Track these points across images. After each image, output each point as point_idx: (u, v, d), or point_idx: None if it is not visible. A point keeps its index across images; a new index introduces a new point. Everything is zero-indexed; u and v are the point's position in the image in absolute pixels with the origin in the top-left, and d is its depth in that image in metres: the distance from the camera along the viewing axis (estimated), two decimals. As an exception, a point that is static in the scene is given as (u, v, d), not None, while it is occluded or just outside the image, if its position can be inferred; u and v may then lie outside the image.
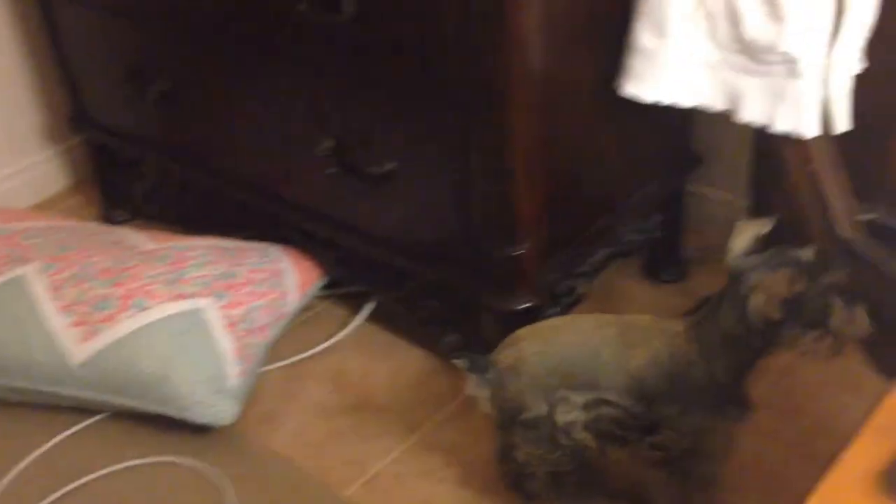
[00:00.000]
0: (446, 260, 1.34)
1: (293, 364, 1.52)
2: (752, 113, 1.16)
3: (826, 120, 1.15)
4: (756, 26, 1.10)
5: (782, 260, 1.01)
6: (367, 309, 1.60)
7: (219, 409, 1.34)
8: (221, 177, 1.59)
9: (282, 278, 1.52)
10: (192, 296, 1.42)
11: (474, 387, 1.17)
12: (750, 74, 1.15)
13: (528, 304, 1.29)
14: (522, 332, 1.17)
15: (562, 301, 1.41)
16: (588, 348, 1.12)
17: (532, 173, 1.20)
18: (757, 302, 0.99)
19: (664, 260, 1.63)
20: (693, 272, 1.63)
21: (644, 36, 1.16)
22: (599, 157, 1.36)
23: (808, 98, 1.11)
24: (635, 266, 1.65)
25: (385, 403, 1.44)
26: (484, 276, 1.30)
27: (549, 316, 1.37)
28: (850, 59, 1.14)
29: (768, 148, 1.33)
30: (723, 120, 1.24)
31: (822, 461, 1.19)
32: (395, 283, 1.47)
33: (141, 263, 1.46)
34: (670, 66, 1.16)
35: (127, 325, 1.37)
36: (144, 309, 1.39)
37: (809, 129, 1.13)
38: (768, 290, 0.99)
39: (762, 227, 1.04)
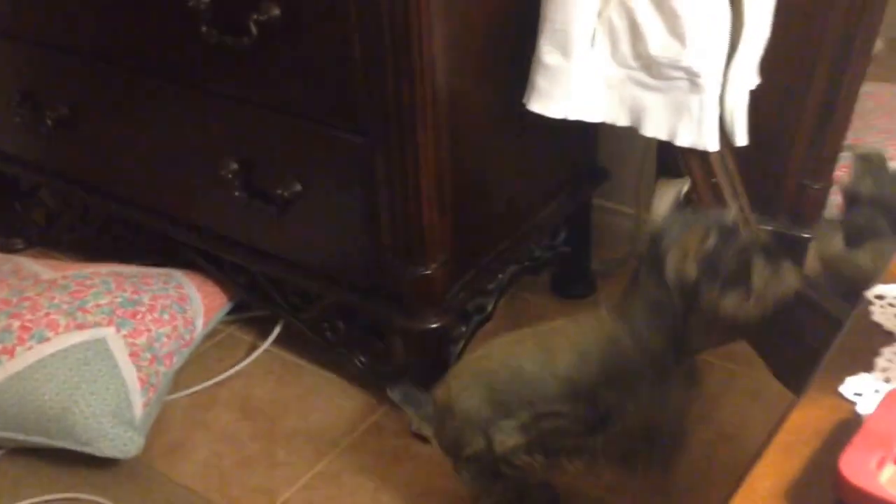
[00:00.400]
0: (355, 282, 1.34)
1: (200, 391, 1.49)
2: (655, 128, 1.19)
3: (727, 134, 1.19)
4: (659, 43, 1.12)
5: (698, 219, 1.00)
6: (275, 333, 1.58)
7: (122, 442, 1.30)
8: (123, 202, 1.56)
9: (186, 304, 1.49)
10: (94, 325, 1.38)
11: (418, 423, 1.15)
12: (652, 90, 1.17)
13: (437, 324, 1.29)
14: (453, 369, 1.16)
15: (472, 319, 1.42)
16: (510, 369, 1.10)
17: (439, 193, 1.20)
18: (671, 259, 0.98)
19: (573, 274, 1.66)
20: (601, 286, 1.66)
21: (548, 53, 1.17)
22: (506, 174, 1.37)
23: (710, 112, 1.15)
24: (544, 281, 1.67)
25: (294, 429, 1.42)
26: (392, 297, 1.29)
27: (459, 335, 1.38)
28: (748, 74, 1.18)
29: (671, 162, 1.37)
30: (626, 135, 1.26)
31: (724, 473, 1.22)
32: (302, 306, 1.46)
33: (40, 293, 1.41)
34: (574, 83, 1.18)
35: (26, 357, 1.33)
36: (44, 340, 1.34)
37: (711, 142, 1.16)
38: (682, 246, 0.98)
39: (682, 185, 1.05)
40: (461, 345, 1.39)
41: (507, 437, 1.09)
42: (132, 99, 1.43)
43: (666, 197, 1.03)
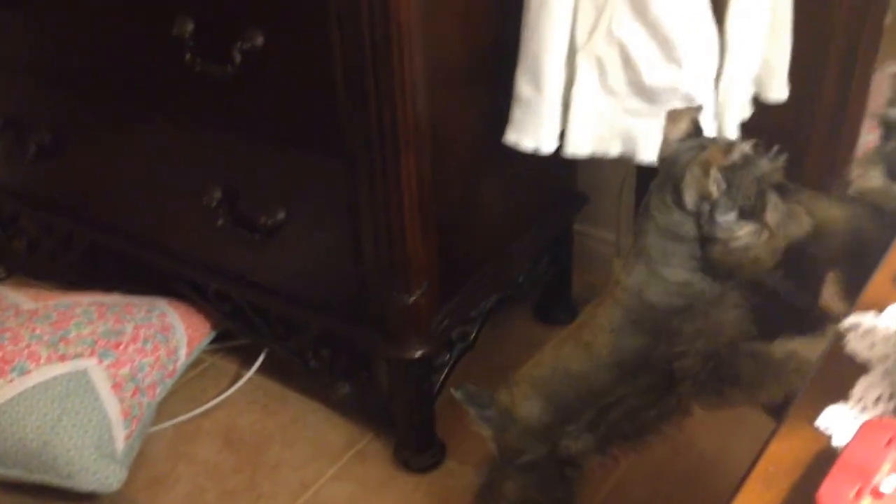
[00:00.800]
0: (339, 309, 1.35)
1: (183, 422, 1.49)
2: (650, 153, 1.20)
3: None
4: (653, 70, 1.15)
5: (716, 141, 0.99)
6: (259, 361, 1.59)
7: (105, 476, 1.31)
8: (106, 230, 1.57)
9: (170, 333, 1.49)
10: (75, 356, 1.38)
11: (477, 423, 1.15)
12: (645, 116, 1.19)
13: (421, 352, 1.30)
14: (516, 376, 1.15)
15: (456, 347, 1.43)
16: (560, 373, 1.10)
17: (422, 220, 1.22)
18: (694, 175, 0.97)
19: (555, 301, 1.68)
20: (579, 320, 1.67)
21: (523, 86, 1.20)
22: (487, 201, 1.39)
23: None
24: (527, 308, 1.68)
25: (279, 459, 1.42)
26: (377, 326, 1.31)
27: (442, 363, 1.40)
28: (740, 96, 1.21)
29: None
30: (606, 160, 1.28)
31: (708, 501, 1.22)
32: (287, 335, 1.47)
33: (21, 324, 1.42)
34: (545, 116, 1.20)
35: (6, 390, 1.33)
36: (25, 373, 1.34)
37: None
38: (705, 162, 0.96)
39: (696, 112, 1.03)
40: (444, 373, 1.40)
41: (575, 442, 1.10)
42: (116, 126, 1.44)
43: (680, 122, 1.02)
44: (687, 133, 1.01)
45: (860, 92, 1.22)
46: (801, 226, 1.01)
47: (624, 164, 1.50)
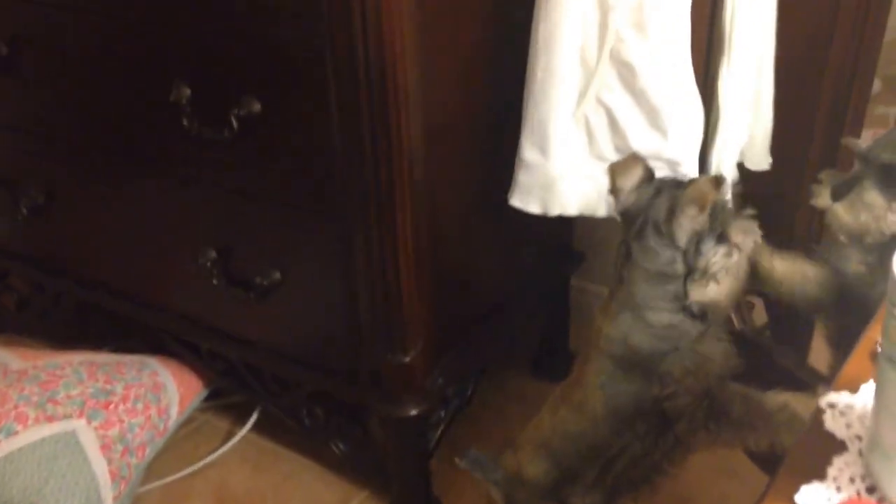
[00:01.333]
0: (334, 368, 1.39)
1: (174, 482, 1.52)
2: None
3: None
4: (639, 136, 1.20)
5: (676, 180, 1.05)
6: (252, 419, 1.61)
7: (95, 538, 1.33)
8: (98, 288, 1.61)
9: (161, 393, 1.52)
10: (64, 417, 1.41)
11: (490, 487, 1.18)
12: None
13: (417, 411, 1.33)
14: (519, 440, 1.20)
15: (452, 403, 1.46)
16: (559, 433, 1.15)
17: (418, 280, 1.26)
18: (688, 212, 1.01)
19: (552, 356, 1.71)
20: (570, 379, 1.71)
21: (527, 150, 1.24)
22: (484, 259, 1.44)
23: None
24: (524, 363, 1.71)
25: (272, 519, 1.45)
26: (372, 384, 1.34)
27: (438, 420, 1.43)
28: (731, 161, 1.26)
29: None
30: (601, 218, 1.33)
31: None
32: (280, 392, 1.50)
33: (10, 385, 1.45)
34: (552, 180, 1.25)
35: (-7, 453, 1.36)
36: (13, 434, 1.37)
37: None
38: (698, 197, 1.01)
39: (637, 159, 1.09)
40: (440, 430, 1.43)
41: (582, 500, 1.14)
42: (110, 186, 1.49)
43: (631, 172, 1.07)
44: (640, 179, 1.07)
45: (846, 159, 1.26)
46: (755, 232, 1.07)
47: (618, 222, 1.54)
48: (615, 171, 1.09)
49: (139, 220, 1.48)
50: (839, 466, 0.60)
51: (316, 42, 1.12)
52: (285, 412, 1.51)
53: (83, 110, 1.44)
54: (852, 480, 0.60)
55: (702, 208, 1.01)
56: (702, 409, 1.09)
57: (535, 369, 1.72)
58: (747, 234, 1.06)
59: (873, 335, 0.71)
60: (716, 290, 1.06)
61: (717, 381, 1.09)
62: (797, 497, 0.59)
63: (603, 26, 1.16)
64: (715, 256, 1.04)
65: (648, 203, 1.06)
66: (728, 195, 1.07)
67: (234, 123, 1.22)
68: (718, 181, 1.02)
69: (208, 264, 1.39)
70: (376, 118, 1.13)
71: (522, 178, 1.26)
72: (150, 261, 1.51)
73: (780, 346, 1.35)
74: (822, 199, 1.09)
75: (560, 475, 1.15)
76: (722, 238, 1.04)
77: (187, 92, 1.25)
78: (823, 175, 1.12)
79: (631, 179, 1.07)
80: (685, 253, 1.04)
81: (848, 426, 0.64)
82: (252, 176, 1.30)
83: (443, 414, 1.45)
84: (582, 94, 1.20)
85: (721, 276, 1.05)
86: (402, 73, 1.11)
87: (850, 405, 0.65)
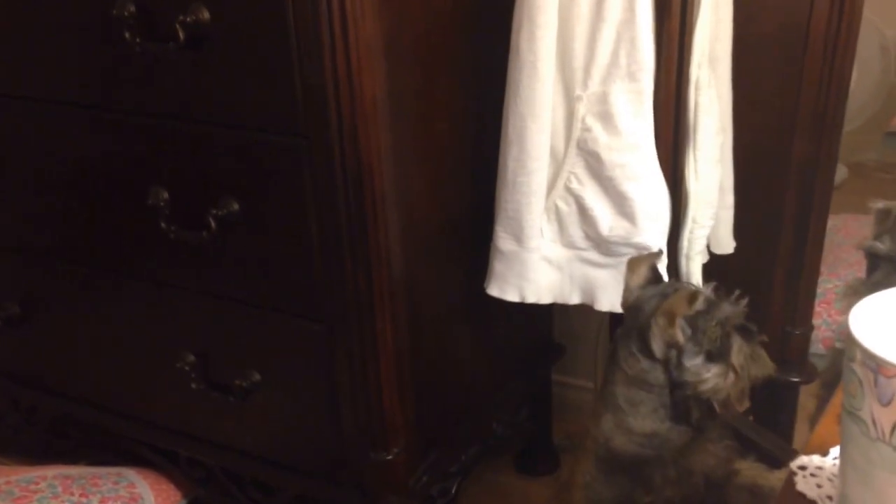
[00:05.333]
0: (315, 471, 1.42)
1: None
2: (609, 303, 1.32)
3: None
4: (608, 224, 1.27)
5: (679, 287, 1.08)
6: (233, 529, 1.63)
7: None
8: (73, 400, 1.64)
9: (139, 504, 1.55)
10: (40, 532, 1.43)
11: None
12: (603, 267, 1.32)
13: (401, 511, 1.37)
14: None
15: (436, 502, 1.49)
16: None
17: (399, 379, 1.30)
18: (660, 324, 1.05)
19: (536, 452, 1.75)
20: (565, 461, 1.75)
21: (502, 239, 1.32)
22: (464, 356, 1.49)
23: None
24: (508, 460, 1.75)
25: None
26: (354, 486, 1.38)
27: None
28: (701, 243, 1.34)
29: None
30: (581, 310, 1.39)
31: None
32: (262, 500, 1.52)
33: (-17, 502, 1.47)
34: (528, 268, 1.32)
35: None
36: (-12, 551, 1.39)
37: None
38: (669, 308, 1.05)
39: (654, 258, 1.14)
40: (426, 531, 1.46)
41: None
42: (86, 294, 1.53)
43: (639, 270, 1.12)
44: (646, 280, 1.13)
45: (815, 243, 1.35)
46: (764, 367, 1.11)
47: (598, 313, 1.61)
48: (628, 267, 1.13)
49: (116, 327, 1.52)
50: (812, 524, 0.66)
51: (294, 150, 1.19)
52: (267, 520, 1.54)
53: (56, 218, 1.49)
54: (825, 537, 0.66)
55: (670, 322, 1.05)
56: None
57: (519, 466, 1.76)
58: (750, 361, 1.09)
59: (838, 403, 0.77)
60: (721, 381, 1.09)
61: (709, 487, 1.12)
62: (774, 554, 0.64)
63: (569, 116, 1.25)
64: (707, 374, 1.08)
65: (640, 307, 1.10)
66: (731, 312, 1.09)
67: (213, 224, 1.27)
68: (692, 298, 1.06)
69: (186, 368, 1.43)
70: (354, 220, 1.19)
71: (498, 266, 1.33)
72: (126, 369, 1.54)
73: (763, 433, 1.40)
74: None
75: None
76: (714, 356, 1.08)
77: (165, 195, 1.32)
78: (847, 287, 1.17)
79: (638, 278, 1.12)
80: (666, 364, 1.09)
81: (819, 486, 0.69)
82: (231, 279, 1.35)
83: (428, 514, 1.49)
84: (552, 184, 1.28)
85: (711, 395, 1.09)
86: (379, 177, 1.18)
87: (820, 467, 0.71)
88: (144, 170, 1.34)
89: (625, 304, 1.13)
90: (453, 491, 1.53)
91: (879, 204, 1.16)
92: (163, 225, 1.32)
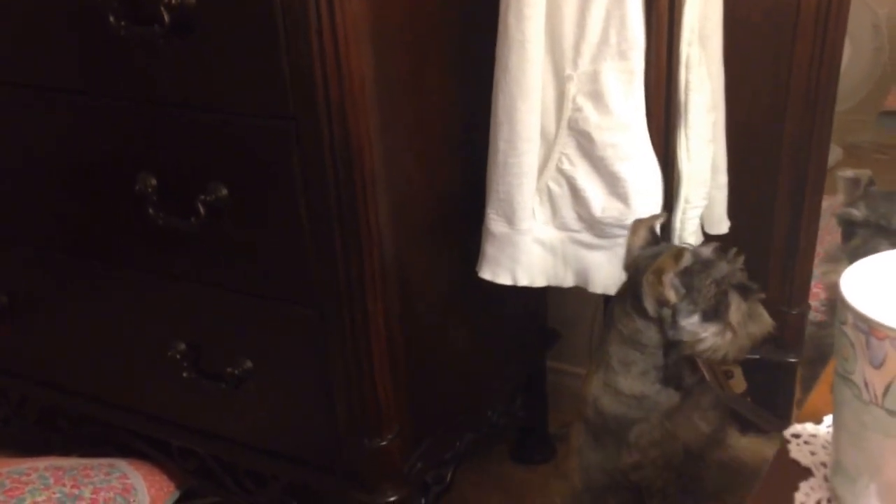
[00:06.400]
0: (310, 459, 1.42)
1: (147, 589, 1.52)
2: (602, 285, 1.32)
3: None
4: (601, 205, 1.27)
5: (671, 246, 1.09)
6: (227, 520, 1.63)
7: None
8: (63, 391, 1.64)
9: (131, 495, 1.54)
10: (31, 524, 1.43)
11: None
12: (596, 249, 1.32)
13: (395, 497, 1.36)
14: None
15: (432, 490, 1.49)
16: None
17: (392, 364, 1.30)
18: (649, 282, 1.06)
19: (531, 440, 1.75)
20: (561, 450, 1.75)
21: (494, 222, 1.31)
22: (457, 342, 1.49)
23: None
24: (504, 449, 1.75)
25: None
26: (349, 473, 1.37)
27: (419, 508, 1.46)
28: (694, 222, 1.34)
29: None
30: (575, 296, 1.39)
31: None
32: (256, 490, 1.52)
33: (-27, 494, 1.46)
34: (520, 251, 1.32)
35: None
36: (-22, 543, 1.39)
37: None
38: (658, 269, 1.06)
39: (656, 220, 1.14)
40: (421, 518, 1.47)
41: None
42: (75, 284, 1.53)
43: (640, 231, 1.13)
44: (646, 241, 1.14)
45: (810, 223, 1.35)
46: (763, 324, 1.12)
47: (593, 298, 1.61)
48: (631, 229, 1.15)
49: (105, 316, 1.52)
50: (805, 491, 0.66)
51: (282, 133, 1.19)
52: (261, 510, 1.53)
53: (44, 207, 1.49)
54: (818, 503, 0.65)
55: (658, 279, 1.07)
56: (674, 484, 1.14)
57: (515, 454, 1.76)
58: (748, 319, 1.10)
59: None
60: (719, 340, 1.10)
61: (686, 456, 1.13)
62: (767, 522, 0.64)
63: (560, 96, 1.25)
64: (704, 333, 1.09)
65: (637, 266, 1.12)
66: (728, 270, 1.10)
67: (201, 209, 1.27)
68: (677, 255, 1.07)
69: (178, 357, 1.43)
70: (344, 203, 1.19)
71: (490, 249, 1.33)
72: (117, 359, 1.54)
73: (759, 410, 1.40)
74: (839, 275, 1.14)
75: None
76: (711, 315, 1.08)
77: (153, 181, 1.31)
78: (826, 255, 1.17)
79: (638, 240, 1.13)
80: (660, 323, 1.10)
81: (812, 454, 0.69)
82: (221, 266, 1.34)
83: (423, 502, 1.48)
84: (543, 166, 1.28)
85: (710, 354, 1.10)
86: (369, 159, 1.17)
87: (813, 434, 0.71)
88: (131, 156, 1.34)
89: (625, 266, 1.13)
90: (448, 478, 1.53)
91: (848, 173, 1.16)
92: (151, 211, 1.32)
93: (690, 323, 1.09)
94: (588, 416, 1.15)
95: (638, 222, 1.16)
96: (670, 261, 1.07)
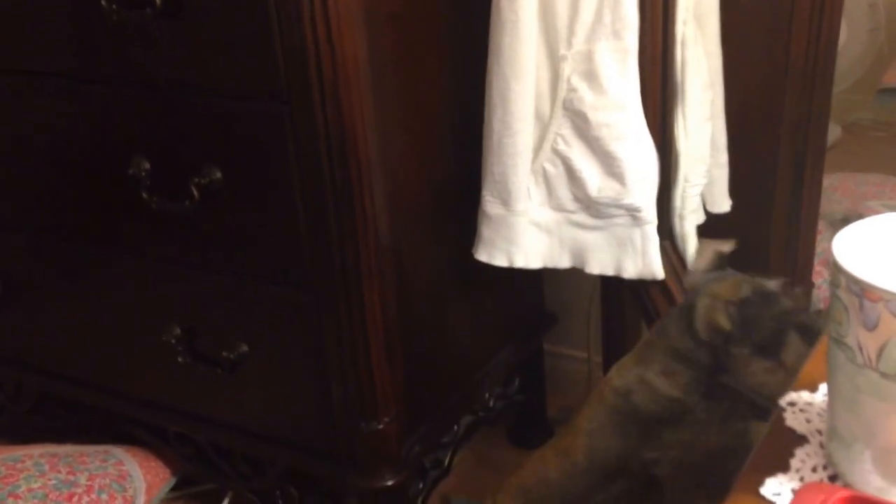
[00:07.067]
0: (306, 444, 1.42)
1: (144, 576, 1.52)
2: (600, 265, 1.32)
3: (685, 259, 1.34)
4: (597, 185, 1.27)
5: (736, 274, 1.08)
6: (224, 506, 1.63)
7: None
8: (58, 378, 1.64)
9: (127, 482, 1.54)
10: (27, 511, 1.43)
11: None
12: (592, 230, 1.31)
13: (393, 481, 1.37)
14: (498, 486, 1.25)
15: (429, 474, 1.50)
16: (540, 482, 1.20)
17: (388, 348, 1.30)
18: (703, 305, 1.05)
19: (529, 424, 1.75)
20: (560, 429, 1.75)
21: (489, 204, 1.31)
22: (454, 325, 1.49)
23: (652, 243, 1.29)
24: (502, 433, 1.75)
25: None
26: (346, 457, 1.37)
27: (416, 492, 1.46)
28: (695, 201, 1.34)
29: (620, 299, 1.51)
30: (572, 279, 1.39)
31: None
32: (252, 475, 1.52)
33: (-33, 482, 1.47)
34: (516, 232, 1.32)
35: (-48, 551, 1.37)
36: (-26, 531, 1.39)
37: (657, 271, 1.29)
38: (713, 293, 1.05)
39: (724, 245, 1.14)
40: (419, 502, 1.46)
41: None
42: (68, 270, 1.53)
43: (706, 253, 1.12)
44: (711, 264, 1.14)
45: (811, 201, 1.35)
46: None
47: (590, 282, 1.61)
48: (697, 251, 1.16)
49: (100, 302, 1.52)
50: (801, 458, 0.66)
51: (275, 116, 1.19)
52: (258, 496, 1.53)
53: (37, 190, 1.49)
54: (814, 470, 0.65)
55: (714, 304, 1.05)
56: (685, 482, 1.12)
57: (513, 438, 1.76)
58: (804, 361, 1.08)
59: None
60: (769, 377, 1.08)
61: (707, 458, 1.11)
62: (762, 490, 0.64)
63: (554, 77, 1.24)
64: (755, 367, 1.07)
65: (697, 289, 1.10)
66: (790, 307, 1.08)
67: (195, 193, 1.27)
68: (737, 284, 1.06)
69: (173, 342, 1.43)
70: (339, 186, 1.19)
71: (486, 231, 1.33)
72: (112, 344, 1.54)
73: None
74: None
75: None
76: (766, 351, 1.06)
77: (146, 165, 1.31)
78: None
79: (703, 262, 1.14)
80: (712, 347, 1.07)
81: (808, 421, 0.69)
82: (216, 250, 1.34)
83: (421, 486, 1.48)
84: (538, 146, 1.28)
85: (757, 389, 1.07)
86: (363, 141, 1.17)
87: (809, 402, 0.71)
88: (124, 140, 1.34)
89: (687, 286, 1.14)
90: (447, 462, 1.53)
91: (838, 216, 1.16)
92: (145, 195, 1.32)
93: (742, 353, 1.07)
94: (614, 404, 1.14)
95: (705, 243, 1.16)
96: (729, 288, 1.06)
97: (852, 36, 1.54)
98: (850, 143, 1.59)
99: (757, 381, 1.07)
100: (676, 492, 1.13)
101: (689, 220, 1.35)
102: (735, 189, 1.42)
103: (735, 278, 1.08)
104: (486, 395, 1.61)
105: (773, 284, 1.09)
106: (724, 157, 1.39)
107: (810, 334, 1.08)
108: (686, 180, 1.33)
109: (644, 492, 1.14)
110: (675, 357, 1.11)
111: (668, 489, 1.13)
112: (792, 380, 1.05)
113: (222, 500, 1.64)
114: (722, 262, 1.15)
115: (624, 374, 1.14)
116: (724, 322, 1.05)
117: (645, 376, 1.12)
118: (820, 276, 1.44)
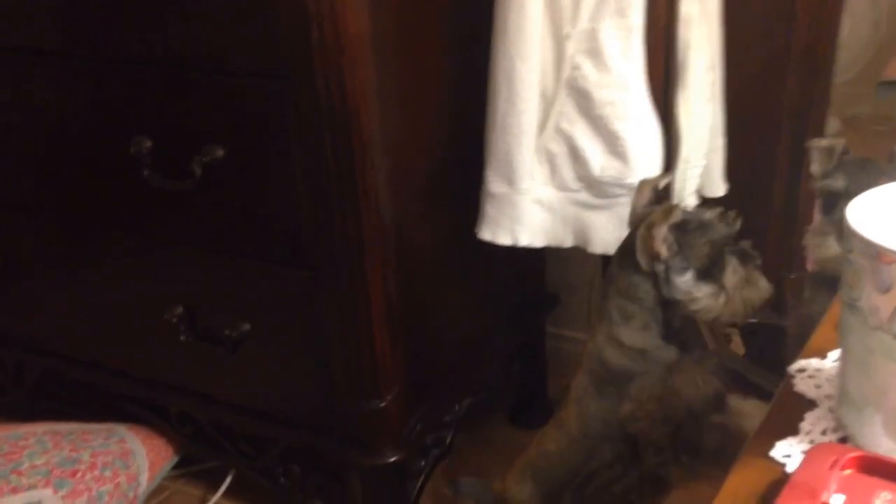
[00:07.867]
0: (308, 422, 1.42)
1: (146, 553, 1.53)
2: (602, 245, 1.32)
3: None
4: (600, 164, 1.27)
5: (669, 203, 1.09)
6: (225, 484, 1.63)
7: None
8: (60, 357, 1.63)
9: (130, 459, 1.54)
10: (29, 487, 1.43)
11: None
12: (595, 209, 1.31)
13: (395, 458, 1.37)
14: (515, 461, 1.27)
15: (431, 453, 1.50)
16: (542, 455, 1.23)
17: (390, 326, 1.30)
18: (639, 236, 1.07)
19: (532, 404, 1.75)
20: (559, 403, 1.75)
21: (493, 182, 1.31)
22: (456, 304, 1.49)
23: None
24: (504, 414, 1.76)
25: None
26: (348, 434, 1.38)
27: (418, 470, 1.46)
28: (693, 183, 1.34)
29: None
30: (574, 260, 1.39)
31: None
32: (254, 454, 1.52)
33: (-29, 459, 1.46)
34: (520, 211, 1.31)
35: (-45, 529, 1.37)
36: (-23, 507, 1.39)
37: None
38: (648, 222, 1.06)
39: (660, 180, 1.15)
40: (421, 480, 1.46)
41: None
42: (70, 248, 1.53)
43: (643, 192, 1.13)
44: (650, 201, 1.14)
45: (809, 189, 1.35)
46: (759, 291, 1.11)
47: (592, 263, 1.61)
48: (637, 188, 1.15)
49: (101, 281, 1.52)
50: (811, 421, 0.66)
51: (277, 92, 1.18)
52: (260, 474, 1.53)
53: (41, 169, 1.48)
54: (824, 433, 0.65)
55: (649, 233, 1.07)
56: (670, 441, 1.14)
57: (515, 419, 1.76)
58: (745, 284, 1.09)
59: (835, 310, 0.78)
60: (712, 301, 1.10)
61: (686, 414, 1.13)
62: (772, 452, 0.64)
63: (558, 56, 1.24)
64: (698, 293, 1.09)
65: (636, 224, 1.12)
66: (725, 232, 1.10)
67: (197, 170, 1.27)
68: (668, 210, 1.07)
69: (175, 320, 1.42)
70: (341, 163, 1.18)
71: (490, 210, 1.33)
72: (114, 323, 1.54)
73: (759, 371, 1.41)
74: (831, 247, 1.12)
75: (542, 498, 1.20)
76: (706, 276, 1.09)
77: (148, 143, 1.31)
78: (814, 228, 1.18)
79: (643, 199, 1.13)
80: (654, 279, 1.10)
81: (817, 387, 0.70)
82: (218, 228, 1.34)
83: (422, 464, 1.49)
84: (542, 126, 1.28)
85: (703, 315, 1.10)
86: (366, 117, 1.17)
87: (818, 369, 0.71)
88: (126, 118, 1.34)
89: (629, 224, 1.14)
90: (448, 441, 1.53)
91: (823, 142, 1.16)
92: (146, 174, 1.32)
93: (683, 281, 1.09)
94: (592, 367, 1.16)
95: (643, 182, 1.16)
96: (661, 215, 1.08)
97: (854, 30, 1.54)
98: (849, 137, 1.59)
99: (701, 305, 1.09)
100: (661, 450, 1.15)
101: (688, 203, 1.35)
102: (733, 174, 1.42)
103: (667, 205, 1.09)
104: (488, 374, 1.61)
105: (707, 212, 1.11)
106: (720, 141, 1.40)
107: (747, 258, 1.10)
108: (686, 162, 1.33)
109: (632, 454, 1.16)
110: (624, 297, 1.12)
111: (654, 448, 1.15)
112: (735, 303, 1.07)
113: (225, 478, 1.64)
114: (659, 197, 1.15)
115: (595, 335, 1.17)
116: (661, 248, 1.06)
117: (611, 331, 1.14)
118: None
